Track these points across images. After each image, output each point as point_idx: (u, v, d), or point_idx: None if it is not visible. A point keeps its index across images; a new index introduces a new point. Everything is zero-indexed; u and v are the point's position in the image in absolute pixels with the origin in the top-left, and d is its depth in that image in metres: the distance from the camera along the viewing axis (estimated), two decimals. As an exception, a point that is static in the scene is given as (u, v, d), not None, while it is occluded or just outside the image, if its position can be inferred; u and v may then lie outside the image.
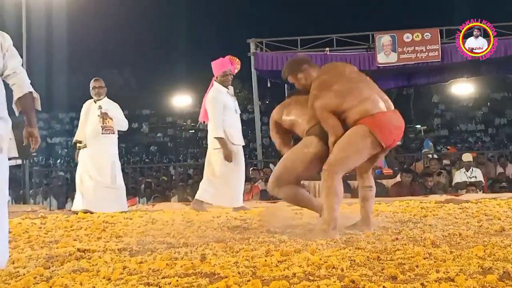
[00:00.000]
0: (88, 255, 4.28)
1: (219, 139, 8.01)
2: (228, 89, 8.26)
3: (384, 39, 16.71)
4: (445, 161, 14.05)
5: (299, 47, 17.36)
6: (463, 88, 32.58)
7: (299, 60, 5.63)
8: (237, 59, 8.56)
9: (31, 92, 4.30)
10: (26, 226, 6.56)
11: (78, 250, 4.51)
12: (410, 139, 32.30)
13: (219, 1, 51.06)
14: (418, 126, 39.57)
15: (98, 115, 8.90)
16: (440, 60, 16.46)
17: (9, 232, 5.93)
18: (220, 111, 8.07)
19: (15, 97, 4.27)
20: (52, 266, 3.92)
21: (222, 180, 8.15)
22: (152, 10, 49.26)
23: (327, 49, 16.93)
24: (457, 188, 11.04)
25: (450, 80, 20.93)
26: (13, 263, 4.06)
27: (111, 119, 8.98)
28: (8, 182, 4.03)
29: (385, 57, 16.62)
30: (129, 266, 3.75)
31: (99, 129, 8.87)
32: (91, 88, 8.99)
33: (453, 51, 16.43)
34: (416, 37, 16.60)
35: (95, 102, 8.99)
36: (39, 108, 4.39)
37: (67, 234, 5.70)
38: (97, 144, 8.84)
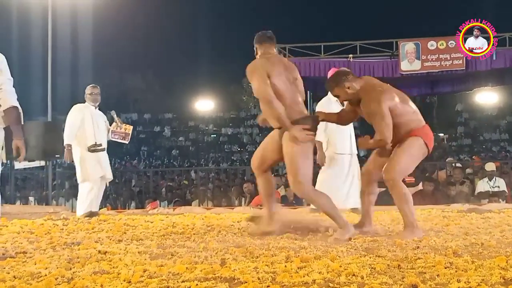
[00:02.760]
0: (109, 257, 4.30)
1: (317, 142, 8.17)
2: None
3: (408, 46, 16.64)
4: (468, 170, 13.93)
5: (322, 53, 17.34)
6: (487, 97, 32.39)
7: (343, 72, 5.68)
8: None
9: (15, 107, 4.51)
10: (48, 227, 6.61)
11: (99, 252, 4.54)
12: (433, 147, 32.09)
13: (242, 7, 51.24)
14: (441, 134, 39.31)
15: (116, 121, 9.26)
16: (464, 68, 16.36)
17: (32, 233, 6.02)
18: None
19: (0, 111, 4.53)
20: (74, 267, 3.94)
21: (322, 184, 8.31)
22: (175, 16, 49.55)
23: (350, 56, 16.90)
24: (480, 198, 10.94)
25: (474, 88, 20.81)
26: (35, 264, 4.10)
27: (129, 125, 9.42)
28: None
29: (408, 65, 16.55)
30: (149, 269, 3.77)
31: (106, 134, 9.15)
32: (88, 94, 9.06)
33: (477, 60, 16.31)
34: (440, 45, 16.51)
35: (95, 107, 9.08)
36: (22, 122, 4.64)
37: (89, 236, 5.73)
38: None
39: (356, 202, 8.31)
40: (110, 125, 9.29)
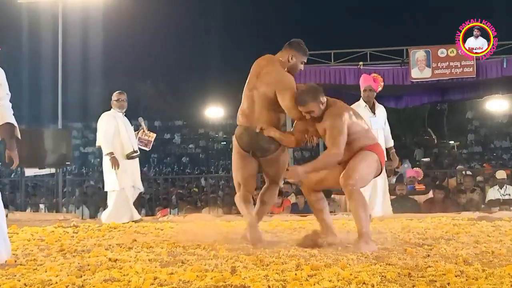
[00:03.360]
0: (119, 265, 4.31)
1: None
2: (368, 104, 8.59)
3: (418, 54, 16.60)
4: (479, 178, 13.88)
5: (332, 61, 17.31)
6: (497, 105, 32.18)
7: (319, 87, 5.54)
8: (380, 77, 8.84)
9: (10, 123, 4.75)
10: (58, 235, 6.63)
11: (110, 259, 4.55)
12: (444, 155, 31.97)
13: (252, 13, 51.31)
14: (452, 142, 39.17)
15: (142, 128, 9.37)
16: (475, 76, 16.30)
17: (42, 240, 6.04)
18: None
19: None
20: (84, 275, 3.95)
21: None
22: (185, 22, 49.66)
23: (361, 63, 16.85)
24: (490, 206, 10.89)
25: (485, 96, 20.72)
26: (46, 272, 4.11)
27: (153, 133, 9.53)
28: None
29: (419, 72, 16.51)
30: (159, 277, 3.78)
31: (135, 140, 9.20)
32: (114, 100, 9.14)
33: (488, 67, 16.25)
34: (450, 52, 16.46)
35: (122, 114, 9.14)
36: (19, 137, 4.85)
37: (99, 244, 5.75)
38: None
39: (374, 211, 8.35)
40: (135, 131, 9.32)
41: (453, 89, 18.57)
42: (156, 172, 38.91)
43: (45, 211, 13.78)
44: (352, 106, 8.44)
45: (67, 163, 12.50)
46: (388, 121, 8.84)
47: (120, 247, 5.43)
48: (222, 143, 47.56)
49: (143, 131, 9.38)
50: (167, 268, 4.11)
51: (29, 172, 12.13)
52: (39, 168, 11.91)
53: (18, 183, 13.63)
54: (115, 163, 8.69)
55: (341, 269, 3.87)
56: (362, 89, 8.59)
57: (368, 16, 51.04)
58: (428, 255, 4.52)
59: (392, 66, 17.06)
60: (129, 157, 8.86)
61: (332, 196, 11.21)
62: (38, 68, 34.83)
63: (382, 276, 3.69)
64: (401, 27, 42.05)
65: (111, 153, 8.73)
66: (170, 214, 11.54)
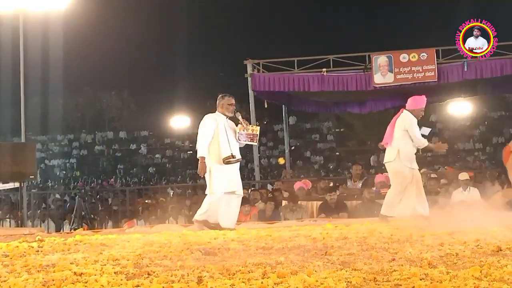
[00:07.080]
0: (85, 279, 4.26)
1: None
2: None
3: (380, 59, 16.75)
4: (443, 181, 14.03)
5: (296, 68, 17.39)
6: (460, 108, 32.63)
7: None
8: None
9: None
10: (23, 250, 6.54)
11: (75, 273, 4.49)
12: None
13: (216, 23, 51.38)
14: (416, 145, 39.53)
15: (241, 123, 8.83)
16: (436, 80, 16.51)
17: (6, 256, 5.96)
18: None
19: None
20: (49, 290, 3.91)
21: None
22: (150, 33, 49.53)
23: (324, 70, 16.95)
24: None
25: (447, 99, 21.01)
26: (10, 288, 4.06)
27: (255, 126, 9.13)
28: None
29: (381, 78, 16.66)
30: (125, 290, 3.75)
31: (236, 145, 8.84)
32: (228, 104, 8.82)
33: (449, 71, 16.48)
34: (412, 57, 16.65)
35: (227, 118, 8.83)
36: None
37: (64, 258, 5.68)
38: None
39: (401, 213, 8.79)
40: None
41: (416, 93, 18.71)
42: (122, 183, 38.68)
43: (9, 226, 13.61)
44: (411, 117, 9.59)
45: (31, 176, 12.36)
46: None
47: (86, 260, 5.38)
48: (188, 152, 47.48)
49: (243, 126, 8.82)
50: (133, 281, 4.08)
51: (-7, 186, 11.98)
52: (3, 183, 11.77)
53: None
54: (202, 168, 8.55)
55: (307, 276, 3.88)
56: (419, 109, 9.79)
57: (331, 22, 51.44)
58: (393, 259, 4.55)
59: (355, 72, 17.19)
60: (225, 161, 8.53)
61: (299, 202, 11.25)
62: (-1, 81, 34.43)
63: (348, 281, 3.71)
64: (363, 33, 42.44)
65: (202, 158, 8.57)
66: (136, 225, 11.48)
